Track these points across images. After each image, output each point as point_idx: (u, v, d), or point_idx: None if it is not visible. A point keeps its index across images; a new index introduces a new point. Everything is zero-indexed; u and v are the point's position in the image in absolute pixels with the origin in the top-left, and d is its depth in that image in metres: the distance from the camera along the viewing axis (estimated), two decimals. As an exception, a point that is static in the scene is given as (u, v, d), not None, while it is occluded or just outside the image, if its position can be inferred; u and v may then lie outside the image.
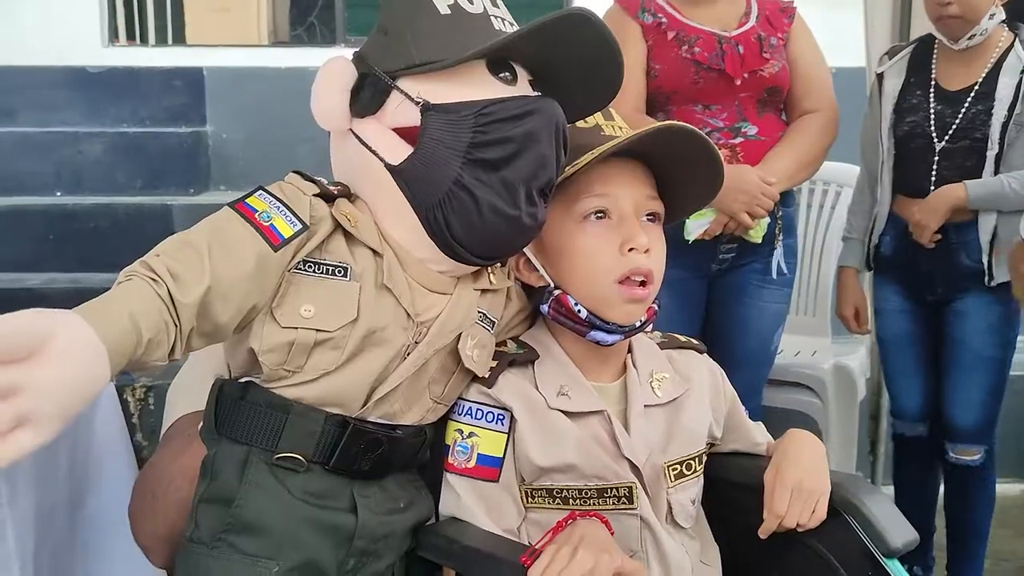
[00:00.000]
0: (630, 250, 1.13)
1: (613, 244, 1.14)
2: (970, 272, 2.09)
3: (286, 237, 0.98)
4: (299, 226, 0.99)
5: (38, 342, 0.75)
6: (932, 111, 2.13)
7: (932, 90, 2.15)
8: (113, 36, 4.72)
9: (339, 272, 1.02)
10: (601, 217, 1.16)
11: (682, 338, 1.31)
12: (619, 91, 1.12)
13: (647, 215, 1.18)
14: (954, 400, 2.16)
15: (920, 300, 2.21)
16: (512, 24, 1.07)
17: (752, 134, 2.06)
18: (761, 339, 2.20)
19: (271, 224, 0.97)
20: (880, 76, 2.24)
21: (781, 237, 2.09)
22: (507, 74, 1.04)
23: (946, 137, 2.10)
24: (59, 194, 3.90)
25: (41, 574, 1.14)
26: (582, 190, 1.15)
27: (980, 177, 2.07)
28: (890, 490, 2.46)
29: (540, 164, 1.04)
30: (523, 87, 1.06)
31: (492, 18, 1.05)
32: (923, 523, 2.24)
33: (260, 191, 1.00)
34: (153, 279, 0.89)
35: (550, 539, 1.01)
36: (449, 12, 1.03)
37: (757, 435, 1.31)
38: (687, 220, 1.98)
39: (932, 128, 2.12)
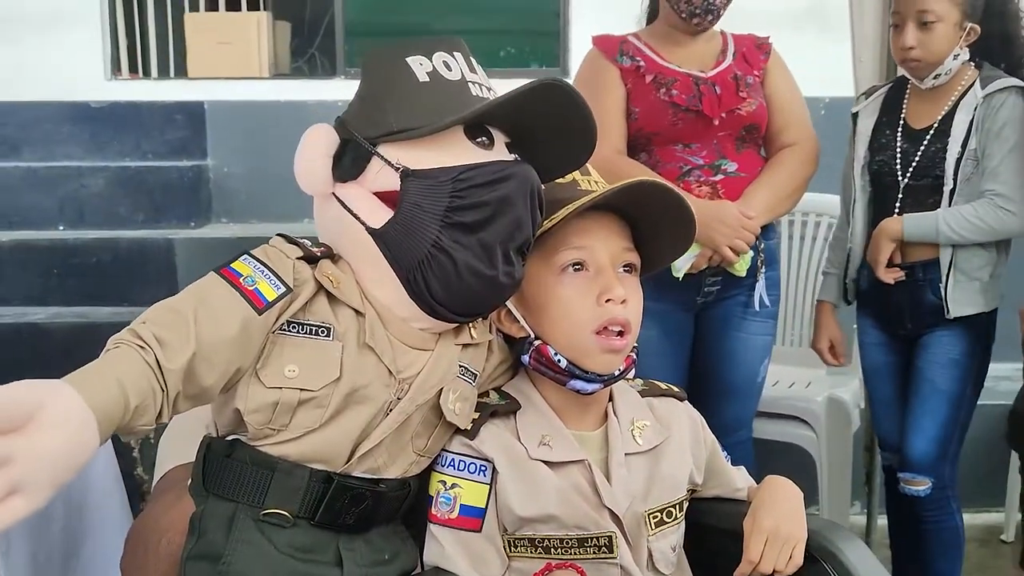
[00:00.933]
0: (607, 301, 1.16)
1: (590, 295, 1.17)
2: (935, 308, 2.12)
3: (270, 300, 1.01)
4: (283, 289, 1.02)
5: (29, 413, 0.78)
6: (898, 149, 2.17)
7: (900, 128, 2.19)
8: (115, 69, 4.81)
9: (322, 332, 1.05)
10: (579, 269, 1.19)
11: (663, 385, 1.34)
12: (593, 151, 1.16)
13: (623, 266, 1.21)
14: (908, 429, 2.19)
15: (894, 334, 2.25)
16: (489, 88, 1.11)
17: (732, 171, 2.11)
18: (748, 370, 2.24)
19: (255, 288, 1.01)
20: (855, 116, 2.29)
21: (764, 270, 2.14)
22: (484, 139, 1.08)
23: (909, 174, 2.15)
24: (62, 228, 3.97)
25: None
26: (560, 243, 1.18)
27: None
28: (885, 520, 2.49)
29: (516, 226, 1.07)
30: (500, 151, 1.09)
31: (469, 84, 1.08)
32: None
33: (245, 256, 1.04)
34: (140, 346, 0.92)
35: (529, 591, 1.04)
36: (428, 79, 1.07)
37: (738, 480, 1.33)
38: None
39: (897, 166, 2.17)
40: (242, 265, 1.03)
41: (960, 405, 2.17)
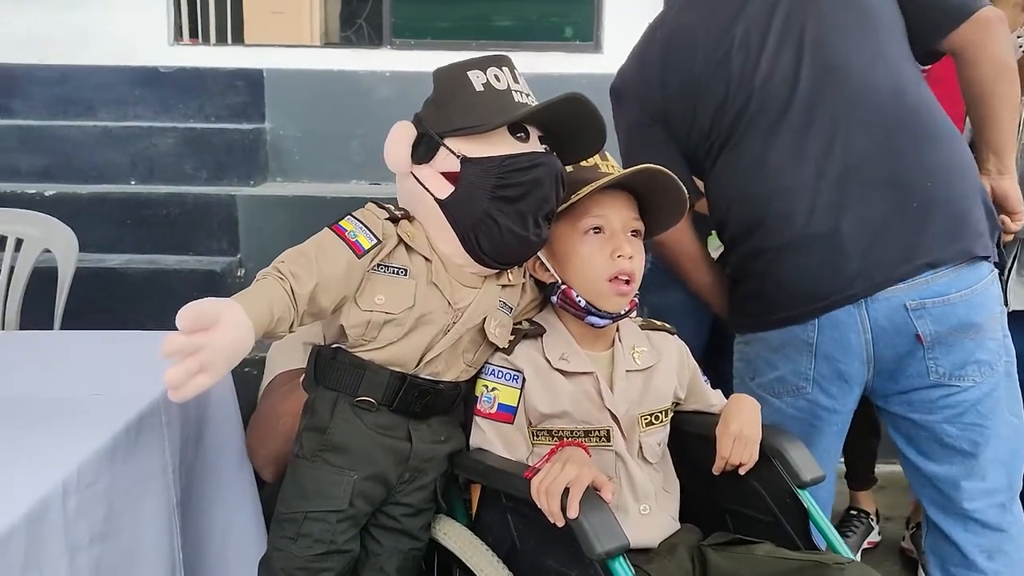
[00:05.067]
0: (618, 256, 1.53)
1: (606, 252, 1.53)
2: None
3: (366, 248, 1.38)
4: (375, 240, 1.39)
5: (213, 318, 1.16)
6: None
7: None
8: (177, 34, 5.07)
9: (401, 272, 1.42)
10: (598, 232, 1.55)
11: (658, 323, 1.70)
12: (602, 147, 1.52)
13: (632, 232, 1.57)
14: None
15: None
16: (528, 95, 1.46)
17: None
18: None
19: (356, 240, 1.37)
20: None
21: None
22: (522, 134, 1.43)
23: None
24: (134, 183, 4.26)
25: (182, 481, 1.57)
26: (584, 212, 1.54)
27: None
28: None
29: (544, 200, 1.43)
30: (534, 143, 1.44)
31: (514, 92, 1.43)
32: None
33: (348, 216, 1.40)
34: (280, 278, 1.30)
35: (546, 460, 1.40)
36: (483, 89, 1.42)
37: (713, 398, 1.70)
38: (708, 239, 2.23)
39: None
40: (347, 223, 1.39)
41: None
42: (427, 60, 4.87)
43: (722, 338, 2.53)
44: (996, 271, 1.75)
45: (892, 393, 1.78)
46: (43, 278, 2.61)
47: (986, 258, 1.71)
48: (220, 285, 3.91)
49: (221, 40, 5.35)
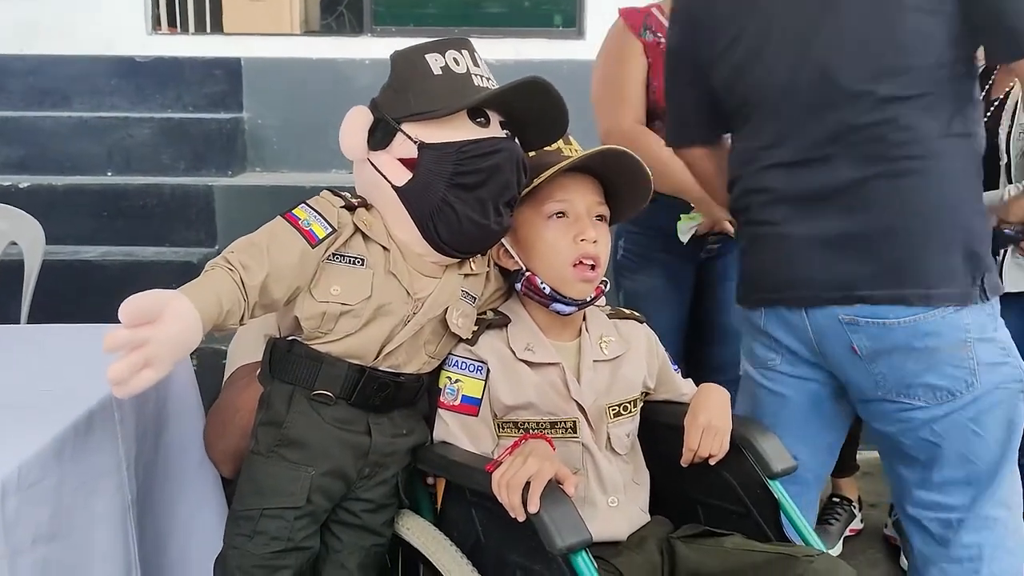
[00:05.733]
0: (582, 240, 1.49)
1: (569, 237, 1.49)
2: None
3: (320, 238, 1.34)
4: (330, 229, 1.35)
5: (158, 311, 1.13)
6: None
7: (982, 97, 2.04)
8: (156, 24, 5.02)
9: (358, 262, 1.38)
10: (561, 216, 1.51)
11: (626, 311, 1.67)
12: (563, 133, 1.48)
13: (597, 216, 1.53)
14: None
15: None
16: (489, 79, 1.42)
17: None
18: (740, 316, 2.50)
19: (310, 228, 1.33)
20: None
21: None
22: (482, 119, 1.39)
23: None
24: (110, 174, 4.21)
25: (138, 478, 1.53)
26: (547, 196, 1.50)
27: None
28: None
29: (504, 187, 1.39)
30: (494, 129, 1.40)
31: (473, 76, 1.39)
32: None
33: (303, 204, 1.36)
34: (230, 269, 1.26)
35: (508, 453, 1.37)
36: (440, 73, 1.38)
37: (684, 387, 1.66)
38: (678, 224, 2.28)
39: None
40: (300, 211, 1.35)
41: None
42: (408, 47, 4.88)
43: (700, 324, 2.53)
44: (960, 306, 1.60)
45: (854, 400, 1.73)
46: (11, 271, 2.56)
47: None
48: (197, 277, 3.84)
49: (200, 29, 5.30)
